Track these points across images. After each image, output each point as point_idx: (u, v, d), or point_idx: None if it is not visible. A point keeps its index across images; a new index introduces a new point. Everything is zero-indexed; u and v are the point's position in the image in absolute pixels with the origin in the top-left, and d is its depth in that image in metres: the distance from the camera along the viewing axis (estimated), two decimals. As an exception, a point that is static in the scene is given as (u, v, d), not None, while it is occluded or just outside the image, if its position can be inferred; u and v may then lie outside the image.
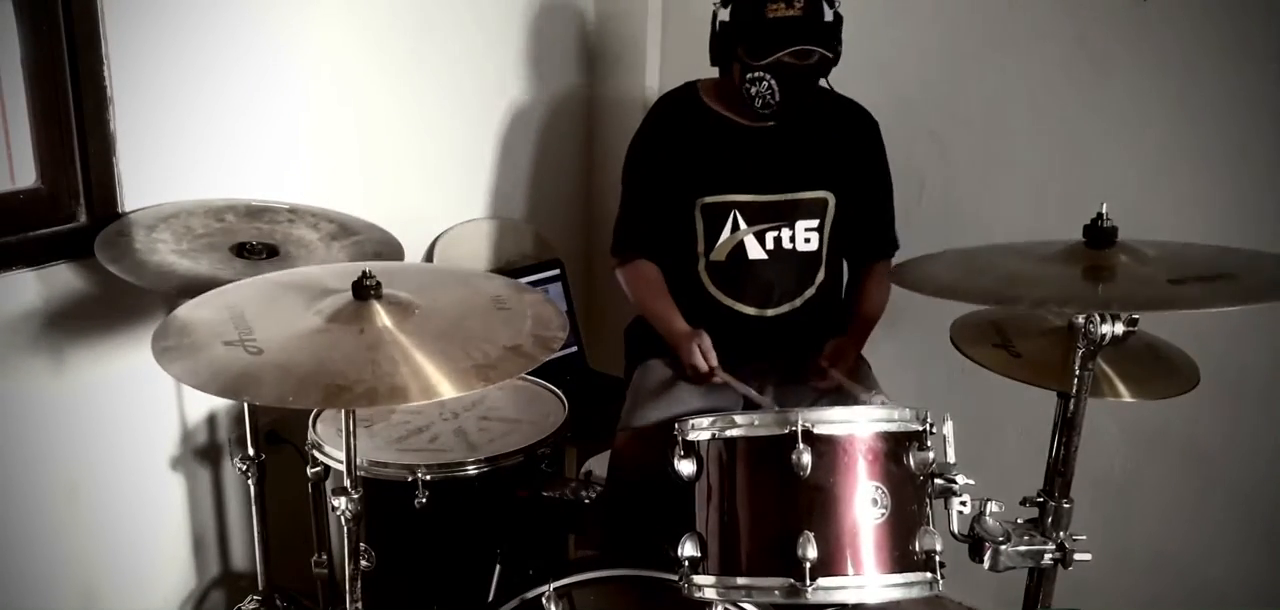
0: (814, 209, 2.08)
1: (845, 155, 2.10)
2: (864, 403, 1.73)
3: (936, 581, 1.36)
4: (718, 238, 2.08)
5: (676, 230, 2.12)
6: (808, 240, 2.08)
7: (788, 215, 2.07)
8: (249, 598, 2.11)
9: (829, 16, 1.93)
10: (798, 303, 2.10)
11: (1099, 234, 1.44)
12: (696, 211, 2.08)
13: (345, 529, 1.42)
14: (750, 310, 2.08)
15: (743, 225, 2.06)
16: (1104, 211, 1.45)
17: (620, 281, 2.21)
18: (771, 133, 2.06)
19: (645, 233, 2.15)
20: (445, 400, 1.93)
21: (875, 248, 2.18)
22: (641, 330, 2.23)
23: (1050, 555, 1.42)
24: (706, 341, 1.98)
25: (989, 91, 2.36)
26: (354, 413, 1.38)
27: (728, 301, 2.09)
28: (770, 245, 2.07)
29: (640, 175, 2.16)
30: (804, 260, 2.09)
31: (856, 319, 2.14)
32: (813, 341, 2.07)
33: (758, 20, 1.91)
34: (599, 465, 2.49)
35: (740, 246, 2.07)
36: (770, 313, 2.08)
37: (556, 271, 2.69)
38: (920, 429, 1.40)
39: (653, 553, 1.63)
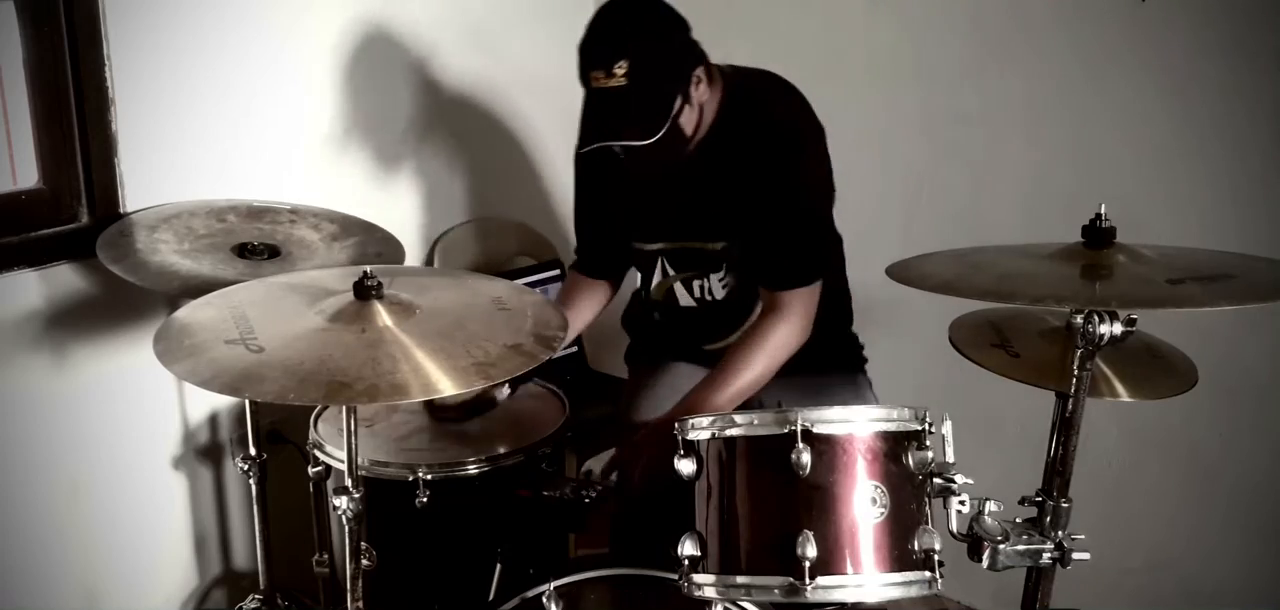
0: (718, 259, 1.91)
1: (748, 194, 1.82)
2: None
3: (935, 580, 1.36)
4: (652, 279, 2.01)
5: (626, 259, 2.06)
6: (726, 286, 1.93)
7: (701, 265, 1.93)
8: (250, 597, 2.12)
9: (666, 75, 1.65)
10: (738, 334, 1.95)
11: (1097, 234, 1.44)
12: (631, 253, 2.02)
13: (346, 528, 1.43)
14: (692, 343, 2.02)
15: (670, 271, 1.97)
16: (1102, 212, 1.45)
17: None
18: (684, 171, 1.82)
19: (591, 254, 2.09)
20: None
21: (771, 273, 1.85)
22: (632, 314, 2.19)
23: (1048, 554, 1.42)
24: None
25: (988, 91, 2.37)
26: (355, 411, 1.38)
27: (671, 333, 2.04)
28: (697, 293, 1.96)
29: (578, 199, 2.08)
30: (729, 305, 1.95)
31: (721, 366, 1.82)
32: None
33: (585, 85, 1.69)
34: (599, 465, 2.49)
35: (672, 292, 1.99)
36: (711, 347, 1.99)
37: (557, 272, 2.69)
38: (919, 428, 1.40)
39: (663, 555, 1.62)
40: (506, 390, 1.93)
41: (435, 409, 1.89)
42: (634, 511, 1.88)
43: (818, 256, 1.88)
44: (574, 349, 2.69)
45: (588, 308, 2.09)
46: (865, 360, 2.15)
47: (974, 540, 1.40)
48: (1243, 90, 2.05)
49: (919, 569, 1.36)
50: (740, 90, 1.83)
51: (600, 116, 1.68)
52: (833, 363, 2.07)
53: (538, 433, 1.84)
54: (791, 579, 1.32)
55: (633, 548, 1.74)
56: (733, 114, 1.81)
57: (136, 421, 2.07)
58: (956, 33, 2.38)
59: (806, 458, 1.32)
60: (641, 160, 1.71)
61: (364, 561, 1.47)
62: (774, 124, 1.82)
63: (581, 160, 1.96)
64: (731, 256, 1.90)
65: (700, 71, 1.74)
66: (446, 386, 1.26)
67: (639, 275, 2.06)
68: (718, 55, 1.83)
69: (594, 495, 1.80)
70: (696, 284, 1.95)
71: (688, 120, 1.73)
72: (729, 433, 1.41)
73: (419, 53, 2.44)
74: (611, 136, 1.67)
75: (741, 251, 1.88)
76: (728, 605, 1.49)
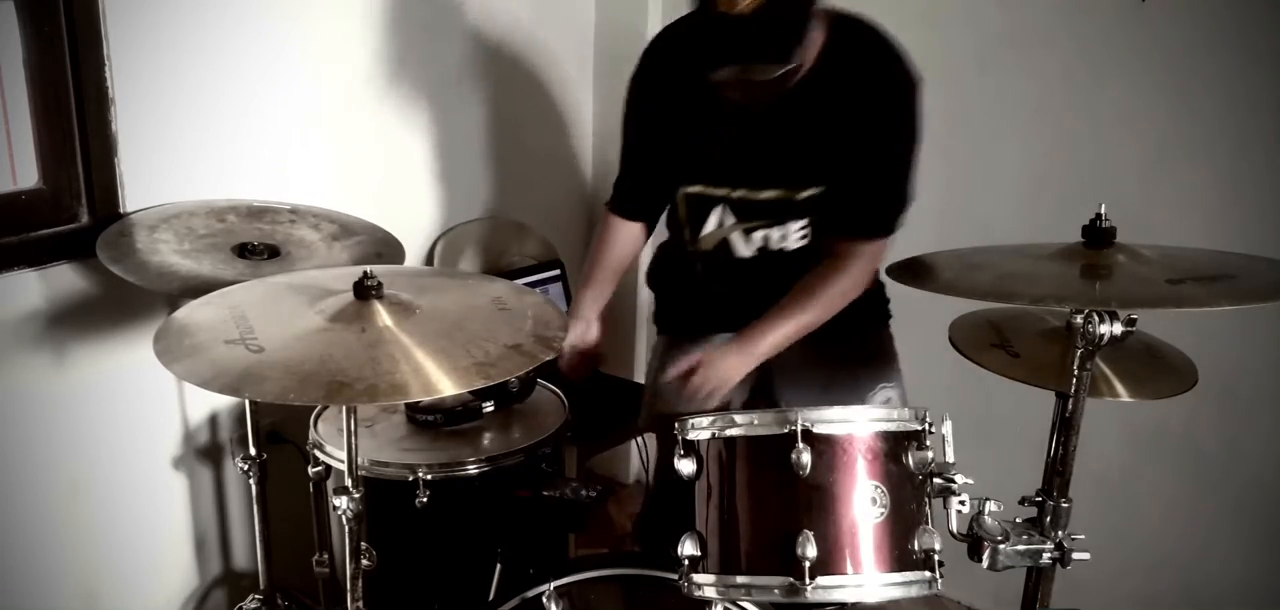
0: (808, 206, 1.80)
1: (850, 136, 1.74)
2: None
3: (935, 581, 1.36)
4: (702, 227, 1.87)
5: (665, 204, 1.95)
6: (804, 236, 1.83)
7: (778, 214, 1.81)
8: (251, 597, 2.12)
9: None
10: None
11: (1097, 234, 1.44)
12: (679, 198, 1.89)
13: (346, 528, 1.43)
14: (743, 298, 1.89)
15: (729, 221, 1.84)
16: (1103, 211, 1.45)
17: None
18: (773, 113, 1.73)
19: (632, 193, 1.99)
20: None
21: (848, 219, 1.79)
22: (662, 269, 2.10)
23: (1048, 554, 1.42)
24: (580, 340, 1.92)
25: (989, 91, 2.37)
26: (355, 411, 1.38)
27: (719, 288, 1.93)
28: (758, 245, 1.85)
29: (629, 134, 1.96)
30: (795, 258, 1.85)
31: (781, 302, 1.80)
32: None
33: (705, 10, 1.57)
34: (599, 465, 2.49)
35: (726, 243, 1.87)
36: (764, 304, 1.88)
37: (557, 271, 2.70)
38: (919, 428, 1.40)
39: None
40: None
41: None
42: (659, 510, 1.86)
43: (902, 208, 1.81)
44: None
45: (629, 249, 2.02)
46: (890, 316, 2.06)
47: (974, 540, 1.40)
48: (1243, 90, 2.05)
49: (919, 569, 1.36)
50: (847, 32, 1.73)
51: (728, 42, 1.57)
52: (856, 313, 1.94)
53: (538, 433, 1.84)
54: (791, 579, 1.32)
55: (658, 544, 1.69)
56: (838, 54, 1.71)
57: (136, 422, 2.07)
58: (956, 32, 2.38)
59: (806, 458, 1.32)
60: (746, 94, 1.65)
61: (364, 561, 1.47)
62: (889, 68, 1.73)
63: (643, 93, 1.90)
64: (821, 204, 1.80)
65: (819, 4, 1.63)
66: (446, 386, 1.26)
67: (681, 224, 1.92)
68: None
69: (594, 495, 1.80)
70: (761, 234, 1.84)
71: (803, 53, 1.63)
72: (729, 433, 1.41)
73: (419, 52, 2.44)
74: (742, 60, 1.57)
75: (830, 199, 1.79)
76: (728, 605, 1.49)
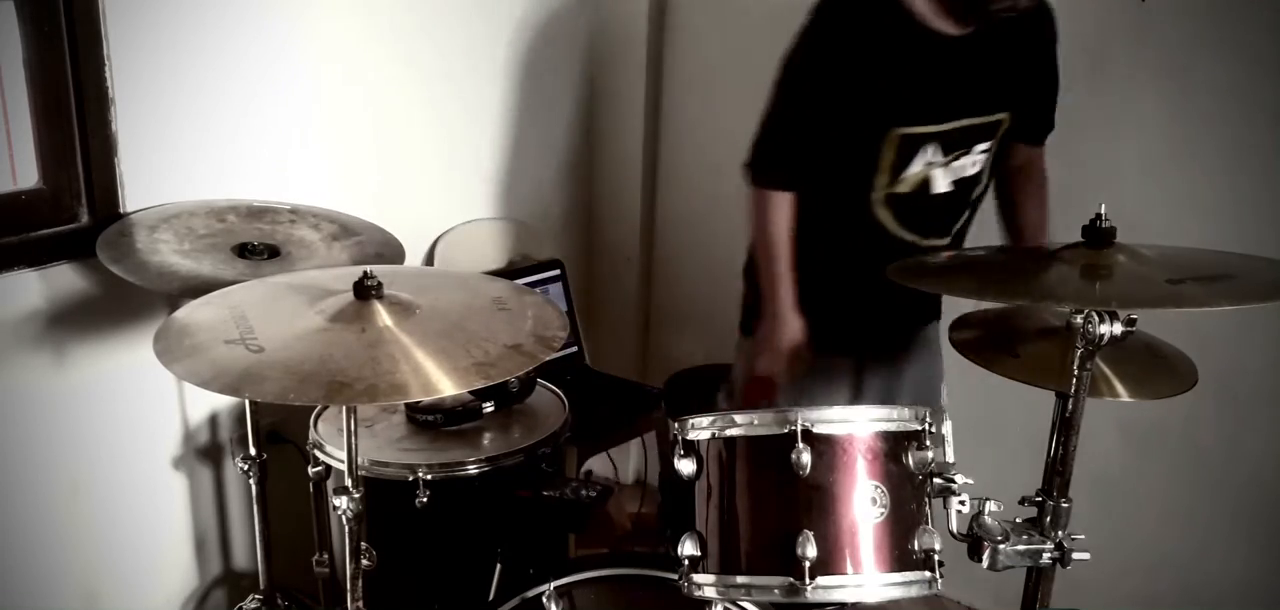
0: (990, 130, 1.85)
1: (1025, 62, 1.86)
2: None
3: (935, 580, 1.36)
4: (905, 169, 1.81)
5: (849, 156, 1.83)
6: (975, 164, 1.86)
7: (970, 141, 1.83)
8: (251, 597, 2.12)
9: None
10: (956, 227, 1.93)
11: (1098, 234, 1.45)
12: (885, 143, 1.79)
13: (346, 528, 1.43)
14: (924, 242, 1.89)
15: (936, 157, 1.81)
16: (1102, 212, 1.45)
17: (749, 203, 1.92)
18: (967, 43, 1.77)
19: (797, 159, 1.87)
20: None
21: (1023, 133, 1.92)
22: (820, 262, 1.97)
23: (1048, 554, 1.42)
24: (796, 342, 1.87)
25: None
26: (355, 411, 1.38)
27: (903, 234, 1.87)
28: (954, 176, 1.85)
29: (810, 87, 1.82)
30: (970, 185, 1.88)
31: (1029, 217, 1.95)
32: None
33: None
34: (598, 465, 2.49)
35: (927, 180, 1.83)
36: (936, 242, 1.90)
37: (557, 271, 2.70)
38: (919, 428, 1.40)
39: None
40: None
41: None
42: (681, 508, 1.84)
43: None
44: (573, 349, 2.69)
45: (791, 220, 1.89)
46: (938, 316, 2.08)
47: (974, 540, 1.40)
48: (1242, 90, 2.05)
49: (919, 569, 1.36)
50: None
51: None
52: (913, 309, 2.02)
53: (538, 433, 1.84)
54: (791, 579, 1.32)
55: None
56: None
57: (136, 422, 2.07)
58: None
59: (806, 458, 1.32)
60: (977, 22, 1.74)
61: (364, 561, 1.47)
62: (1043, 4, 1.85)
63: (840, 43, 1.80)
64: (1008, 126, 1.87)
65: None
66: (446, 386, 1.26)
67: (875, 172, 1.82)
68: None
69: (594, 495, 1.81)
70: (960, 163, 1.84)
71: None
72: (729, 433, 1.41)
73: (419, 52, 2.44)
74: None
75: (1017, 118, 1.87)
76: (728, 605, 1.49)
